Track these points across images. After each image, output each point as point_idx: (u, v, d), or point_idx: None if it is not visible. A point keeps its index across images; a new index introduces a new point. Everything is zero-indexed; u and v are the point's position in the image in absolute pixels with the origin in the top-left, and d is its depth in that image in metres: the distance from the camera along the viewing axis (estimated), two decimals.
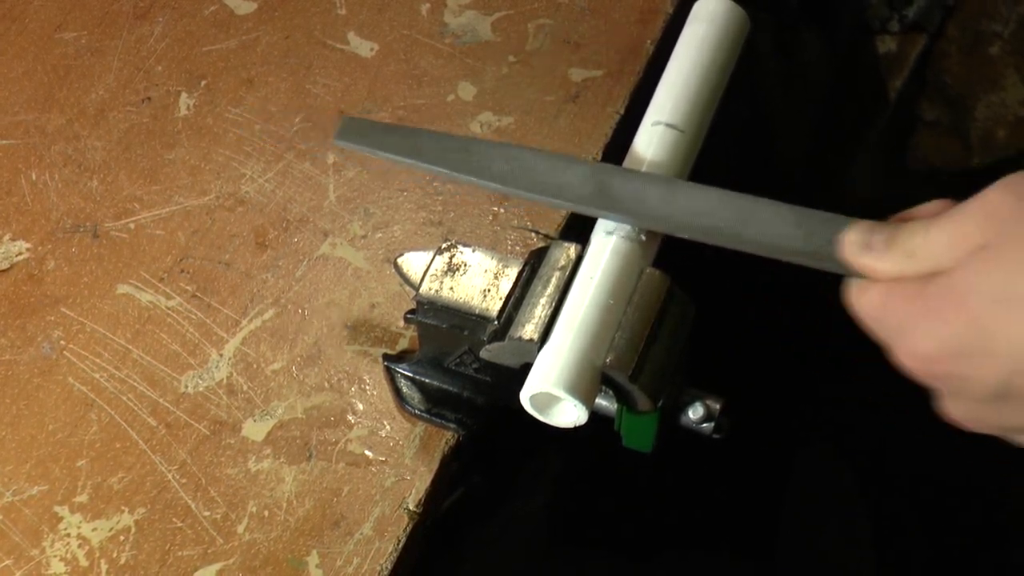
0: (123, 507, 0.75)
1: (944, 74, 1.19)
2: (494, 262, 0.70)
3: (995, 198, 0.52)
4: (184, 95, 0.93)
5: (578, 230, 0.73)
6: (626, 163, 0.73)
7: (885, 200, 0.64)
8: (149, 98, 0.93)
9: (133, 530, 0.74)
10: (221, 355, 0.80)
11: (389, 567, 0.72)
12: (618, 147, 0.81)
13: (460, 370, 0.74)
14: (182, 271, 0.84)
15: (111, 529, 0.74)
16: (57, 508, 0.75)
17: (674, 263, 0.68)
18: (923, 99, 1.21)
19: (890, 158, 1.27)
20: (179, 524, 0.74)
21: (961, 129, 1.19)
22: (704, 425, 0.71)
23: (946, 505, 1.20)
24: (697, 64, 0.76)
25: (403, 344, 0.80)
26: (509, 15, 0.96)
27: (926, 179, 1.23)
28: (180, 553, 0.73)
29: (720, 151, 0.92)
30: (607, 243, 0.68)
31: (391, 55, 0.94)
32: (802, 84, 1.26)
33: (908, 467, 1.20)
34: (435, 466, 0.76)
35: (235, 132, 0.91)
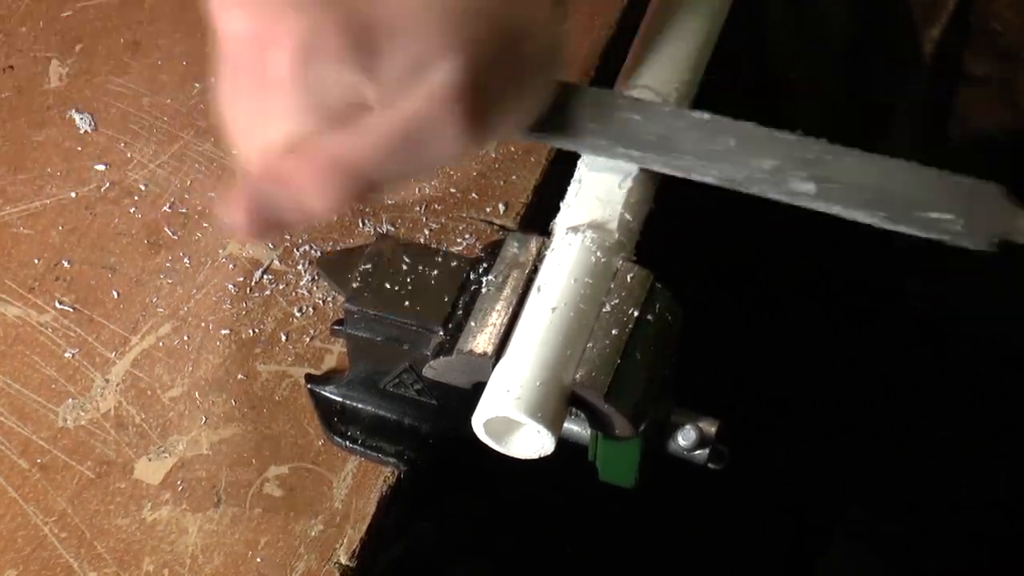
0: None
1: (993, 20, 1.20)
2: (438, 260, 0.72)
3: None
4: (55, 62, 0.94)
5: (541, 219, 0.74)
6: None
7: None
8: (11, 67, 0.94)
9: None
10: (107, 380, 0.82)
11: None
12: None
13: (399, 392, 0.76)
14: (57, 278, 0.86)
15: None
16: None
17: (656, 258, 0.70)
18: (968, 51, 1.22)
19: (929, 125, 1.28)
20: None
21: (1015, 88, 1.21)
22: (697, 453, 0.73)
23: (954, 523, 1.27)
24: (682, 14, 0.78)
25: (330, 363, 0.82)
26: None
27: (974, 149, 1.24)
28: None
29: None
30: (575, 234, 0.70)
31: None
32: (819, 36, 1.28)
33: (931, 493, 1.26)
34: (371, 510, 0.77)
35: (118, 107, 0.92)
